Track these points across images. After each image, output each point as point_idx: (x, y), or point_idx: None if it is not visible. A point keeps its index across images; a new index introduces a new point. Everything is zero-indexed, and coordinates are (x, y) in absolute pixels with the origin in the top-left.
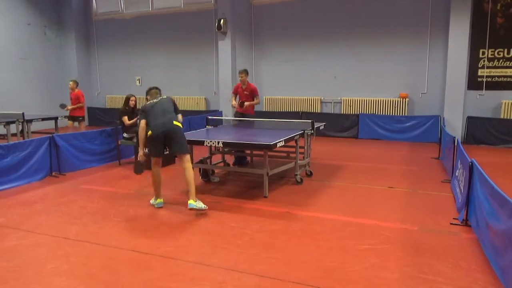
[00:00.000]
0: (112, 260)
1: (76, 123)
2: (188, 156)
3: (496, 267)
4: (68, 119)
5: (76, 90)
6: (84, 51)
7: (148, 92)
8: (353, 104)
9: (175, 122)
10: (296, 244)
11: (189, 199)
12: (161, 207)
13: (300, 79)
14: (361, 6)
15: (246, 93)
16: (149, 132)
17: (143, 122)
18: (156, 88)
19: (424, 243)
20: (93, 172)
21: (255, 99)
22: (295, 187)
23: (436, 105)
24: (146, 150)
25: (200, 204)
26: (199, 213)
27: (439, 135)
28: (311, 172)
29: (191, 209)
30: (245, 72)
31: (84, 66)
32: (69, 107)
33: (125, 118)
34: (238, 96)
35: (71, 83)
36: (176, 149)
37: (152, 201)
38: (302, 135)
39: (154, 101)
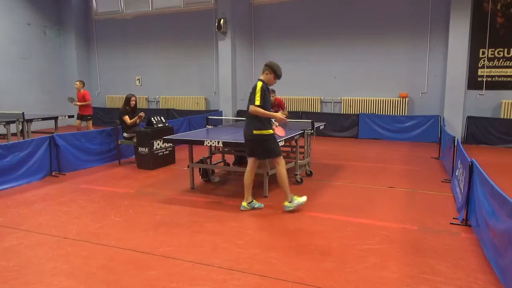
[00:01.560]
0: (112, 260)
1: (84, 122)
2: (276, 159)
3: (496, 267)
4: (77, 118)
5: (82, 90)
6: (84, 51)
7: None
8: (353, 104)
9: (254, 132)
10: (296, 244)
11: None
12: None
13: (300, 79)
14: (361, 6)
15: (275, 109)
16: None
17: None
18: (266, 65)
19: (424, 242)
20: (93, 172)
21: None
22: (295, 187)
23: (436, 105)
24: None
25: (295, 202)
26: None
27: (439, 135)
28: (311, 172)
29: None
30: (274, 92)
31: (84, 66)
32: (77, 103)
33: (126, 118)
34: None
35: (77, 83)
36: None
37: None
38: (302, 135)
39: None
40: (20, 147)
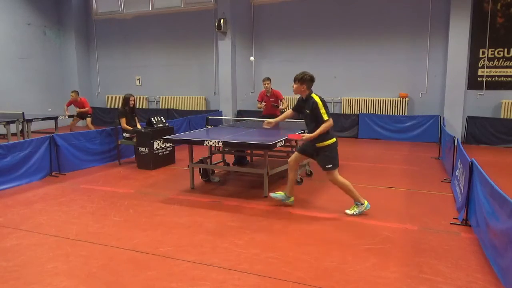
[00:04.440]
0: (112, 260)
1: (81, 122)
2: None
3: (496, 267)
4: (75, 116)
5: (79, 98)
6: (84, 51)
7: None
8: (353, 104)
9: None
10: (296, 244)
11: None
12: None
13: None
14: (361, 6)
15: (272, 99)
16: (333, 140)
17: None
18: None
19: (424, 243)
20: (93, 172)
21: (281, 102)
22: (295, 187)
23: (436, 105)
24: None
25: (354, 210)
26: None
27: (439, 135)
28: (311, 172)
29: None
30: (269, 79)
31: (84, 66)
32: (78, 110)
33: (123, 121)
34: (263, 102)
35: (73, 94)
36: None
37: (355, 210)
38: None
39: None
40: (20, 147)
